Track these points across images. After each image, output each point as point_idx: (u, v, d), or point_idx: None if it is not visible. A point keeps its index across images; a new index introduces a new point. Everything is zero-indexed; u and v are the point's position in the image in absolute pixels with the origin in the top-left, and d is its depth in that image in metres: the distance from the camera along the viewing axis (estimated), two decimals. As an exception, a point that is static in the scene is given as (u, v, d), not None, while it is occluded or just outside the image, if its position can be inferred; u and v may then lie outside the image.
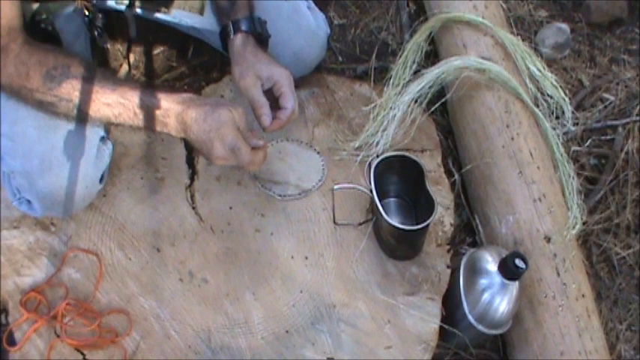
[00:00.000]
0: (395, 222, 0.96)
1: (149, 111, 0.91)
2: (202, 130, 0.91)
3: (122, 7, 1.03)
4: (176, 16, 1.09)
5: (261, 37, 1.04)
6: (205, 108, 0.92)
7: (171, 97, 0.92)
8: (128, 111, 0.91)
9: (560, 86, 1.18)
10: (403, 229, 0.96)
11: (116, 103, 0.91)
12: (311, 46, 1.17)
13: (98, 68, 0.93)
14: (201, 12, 1.11)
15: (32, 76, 0.88)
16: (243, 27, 1.02)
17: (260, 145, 0.96)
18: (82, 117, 0.92)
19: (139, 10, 1.04)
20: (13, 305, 0.99)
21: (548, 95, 1.18)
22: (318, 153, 1.16)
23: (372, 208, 1.06)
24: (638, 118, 1.36)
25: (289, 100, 1.01)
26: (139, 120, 0.92)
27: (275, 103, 1.02)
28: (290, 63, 1.06)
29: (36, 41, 0.91)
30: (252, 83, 1.00)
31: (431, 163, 1.17)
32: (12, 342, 0.97)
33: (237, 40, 1.02)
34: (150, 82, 1.05)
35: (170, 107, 0.92)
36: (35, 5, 0.94)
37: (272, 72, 1.01)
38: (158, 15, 1.08)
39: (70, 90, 0.89)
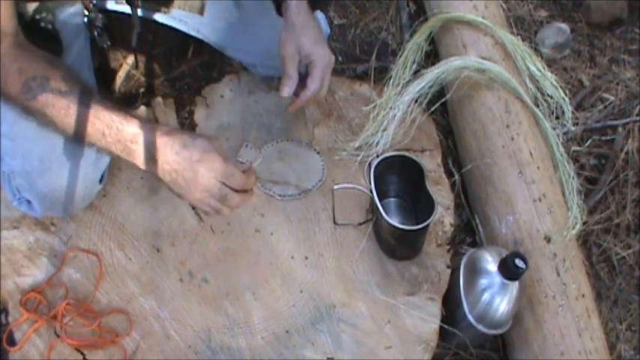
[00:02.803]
0: (395, 222, 0.96)
1: (118, 135, 0.83)
2: (182, 158, 0.83)
3: (122, 9, 1.03)
4: (176, 16, 1.09)
5: (315, 3, 1.02)
6: (184, 136, 0.84)
7: (146, 125, 0.84)
8: (97, 132, 0.84)
9: (560, 86, 1.18)
10: (403, 229, 0.96)
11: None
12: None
13: (83, 84, 0.86)
14: (201, 12, 1.10)
15: (10, 84, 0.82)
16: None
17: (249, 167, 0.91)
18: (57, 132, 0.86)
19: (139, 11, 1.04)
20: (13, 305, 0.99)
21: (548, 95, 1.18)
22: (318, 153, 1.16)
23: (372, 208, 1.06)
24: (638, 118, 1.36)
25: (314, 82, 0.99)
26: (106, 142, 0.84)
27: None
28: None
29: (29, 45, 0.86)
30: (290, 55, 0.98)
31: (431, 163, 1.17)
32: (12, 342, 0.97)
33: (292, 4, 0.99)
34: (129, 108, 0.96)
35: (138, 133, 0.83)
36: (35, 4, 0.94)
37: (312, 51, 0.98)
38: (157, 16, 1.08)
39: (45, 103, 0.82)
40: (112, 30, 1.07)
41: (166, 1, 1.07)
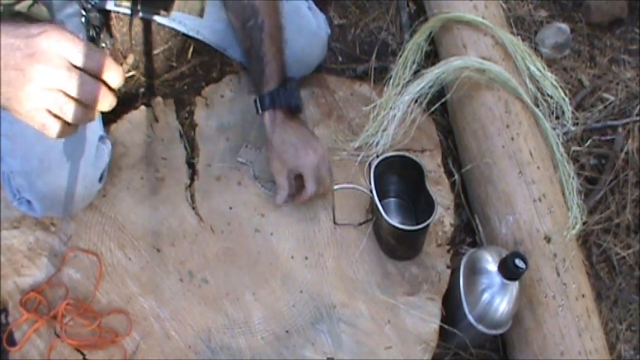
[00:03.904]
0: (395, 222, 0.96)
1: None
2: (17, 36, 0.60)
3: (122, 10, 1.03)
4: (175, 18, 1.09)
5: (290, 108, 1.04)
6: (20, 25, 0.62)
7: None
8: None
9: (560, 86, 1.18)
10: (403, 229, 0.96)
11: None
12: (312, 47, 1.17)
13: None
14: (200, 14, 1.10)
15: None
16: (268, 104, 1.02)
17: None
18: None
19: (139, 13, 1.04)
20: (13, 305, 0.99)
21: (548, 95, 1.18)
22: (318, 153, 1.15)
23: (372, 208, 1.06)
24: (638, 118, 1.36)
25: (309, 186, 1.03)
26: None
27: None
28: (291, 63, 1.06)
29: None
30: (277, 170, 1.04)
31: (431, 163, 1.17)
32: (12, 342, 0.97)
33: (265, 117, 1.03)
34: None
35: None
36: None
37: (295, 164, 1.02)
38: (157, 17, 1.08)
39: None
40: (112, 30, 1.07)
41: (166, 4, 1.06)
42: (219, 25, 1.14)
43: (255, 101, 1.04)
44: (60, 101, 0.60)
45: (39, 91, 0.60)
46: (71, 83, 0.59)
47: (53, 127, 0.61)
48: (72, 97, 0.60)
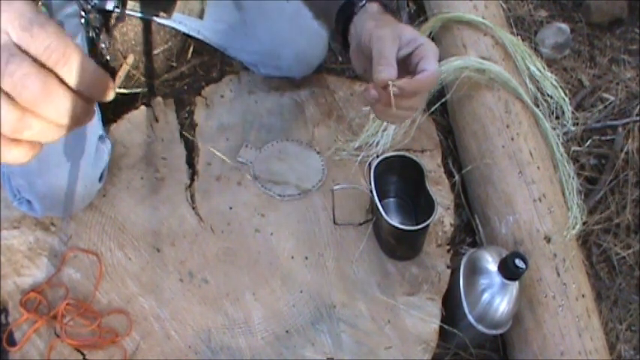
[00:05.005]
0: (395, 222, 0.96)
1: None
2: None
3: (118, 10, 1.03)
4: (176, 18, 1.09)
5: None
6: None
7: None
8: None
9: (560, 86, 1.18)
10: (403, 229, 0.96)
11: None
12: (313, 47, 1.17)
13: None
14: (200, 16, 1.10)
15: None
16: None
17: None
18: None
19: (139, 14, 1.04)
20: (13, 305, 0.99)
21: (548, 95, 1.18)
22: (318, 153, 1.16)
23: (372, 208, 1.06)
24: (638, 118, 1.36)
25: (431, 64, 0.70)
26: None
27: (406, 72, 0.71)
28: (292, 63, 1.07)
29: None
30: (389, 37, 0.70)
31: (431, 163, 1.17)
32: (12, 342, 0.97)
33: (373, 7, 0.76)
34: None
35: None
36: None
37: (416, 36, 0.72)
38: (157, 18, 1.08)
39: None
40: (112, 30, 1.07)
41: (167, 6, 1.06)
42: (220, 25, 1.14)
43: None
44: None
45: None
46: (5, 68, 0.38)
47: None
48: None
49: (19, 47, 0.40)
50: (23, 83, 0.39)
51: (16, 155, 0.43)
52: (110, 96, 0.44)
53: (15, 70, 0.39)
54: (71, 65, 0.41)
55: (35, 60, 0.40)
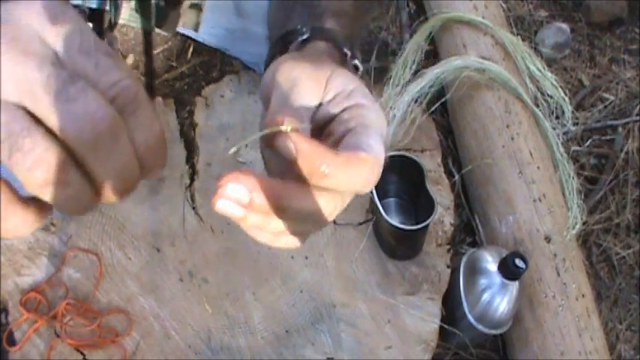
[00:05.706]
0: (395, 222, 0.96)
1: None
2: None
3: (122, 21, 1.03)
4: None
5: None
6: None
7: None
8: None
9: (560, 86, 1.18)
10: (403, 229, 0.96)
11: None
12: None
13: None
14: (195, 29, 1.10)
15: None
16: (330, 36, 0.57)
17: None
18: None
19: (135, 24, 1.04)
20: (13, 305, 0.99)
21: (548, 95, 1.18)
22: (318, 153, 1.15)
23: (372, 208, 1.06)
24: (638, 118, 1.36)
25: (370, 142, 0.39)
26: None
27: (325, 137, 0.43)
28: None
29: None
30: (306, 79, 0.41)
31: (431, 163, 1.17)
32: (12, 342, 0.97)
33: (318, 46, 0.56)
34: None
35: None
36: None
37: (355, 88, 0.42)
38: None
39: None
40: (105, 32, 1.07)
41: (161, 21, 1.06)
42: (218, 31, 1.14)
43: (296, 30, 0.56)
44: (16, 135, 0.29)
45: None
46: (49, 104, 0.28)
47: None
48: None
49: (74, 71, 0.29)
50: (89, 119, 0.27)
51: (16, 223, 0.31)
52: (158, 174, 0.33)
53: (79, 96, 0.28)
54: (139, 115, 0.30)
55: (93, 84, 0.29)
